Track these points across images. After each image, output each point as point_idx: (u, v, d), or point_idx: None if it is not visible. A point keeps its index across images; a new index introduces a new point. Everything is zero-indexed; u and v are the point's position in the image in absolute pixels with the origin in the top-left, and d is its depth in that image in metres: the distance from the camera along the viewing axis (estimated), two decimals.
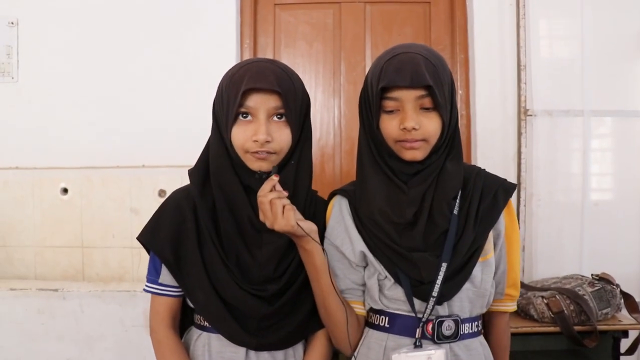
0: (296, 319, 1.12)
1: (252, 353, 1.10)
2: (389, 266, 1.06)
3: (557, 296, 1.75)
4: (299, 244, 1.05)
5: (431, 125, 1.02)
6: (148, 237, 1.11)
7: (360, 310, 1.13)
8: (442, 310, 1.05)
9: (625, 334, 1.78)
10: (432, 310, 1.04)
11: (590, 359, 1.78)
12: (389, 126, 1.04)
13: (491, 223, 1.09)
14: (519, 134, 2.16)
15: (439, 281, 1.02)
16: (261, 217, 1.01)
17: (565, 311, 1.71)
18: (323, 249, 1.07)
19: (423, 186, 1.05)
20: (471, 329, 1.09)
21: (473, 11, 2.24)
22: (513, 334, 1.69)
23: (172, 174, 2.19)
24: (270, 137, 1.02)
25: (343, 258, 1.12)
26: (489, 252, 1.09)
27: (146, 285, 1.14)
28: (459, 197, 1.08)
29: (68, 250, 2.25)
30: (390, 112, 1.04)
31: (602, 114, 2.19)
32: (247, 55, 2.31)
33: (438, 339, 1.05)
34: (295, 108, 1.05)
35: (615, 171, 2.25)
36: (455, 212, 1.06)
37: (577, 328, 1.71)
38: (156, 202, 1.25)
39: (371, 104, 1.06)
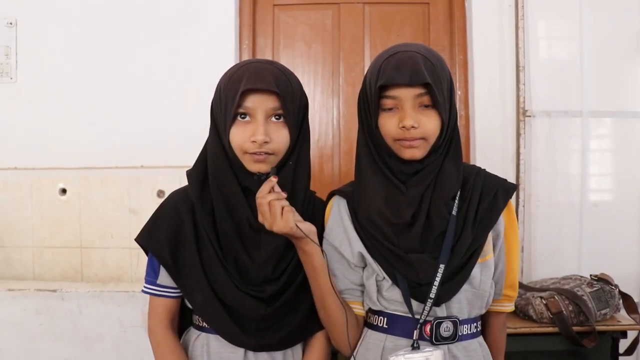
0: (295, 320, 1.12)
1: (250, 354, 1.10)
2: (387, 267, 1.06)
3: (555, 297, 1.75)
4: (298, 245, 1.05)
5: (430, 124, 1.02)
6: (146, 239, 1.11)
7: (359, 310, 1.13)
8: (440, 311, 1.05)
9: (623, 334, 1.78)
10: (429, 312, 1.04)
11: (589, 359, 1.78)
12: (388, 125, 1.04)
13: (490, 224, 1.08)
14: (518, 134, 2.16)
15: (436, 283, 1.02)
16: (260, 219, 1.01)
17: (564, 312, 1.71)
18: (322, 250, 1.07)
19: (422, 186, 1.05)
20: (470, 330, 1.09)
21: (472, 12, 2.25)
22: (512, 335, 1.71)
23: (171, 175, 2.19)
24: (269, 137, 1.02)
25: (342, 259, 1.12)
26: (488, 253, 1.09)
27: (144, 286, 1.14)
28: (457, 197, 1.07)
29: (67, 251, 2.25)
30: (389, 110, 1.03)
31: (601, 114, 2.19)
32: (246, 56, 2.31)
33: (436, 340, 1.05)
34: (294, 109, 1.05)
35: (614, 172, 2.25)
36: (454, 212, 1.06)
37: (575, 328, 1.71)
38: (155, 203, 1.25)
39: (370, 102, 1.06)
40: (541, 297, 1.76)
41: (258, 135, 1.01)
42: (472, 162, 2.21)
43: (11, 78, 2.28)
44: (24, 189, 2.26)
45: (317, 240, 1.05)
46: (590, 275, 1.87)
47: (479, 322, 1.12)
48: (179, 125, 2.20)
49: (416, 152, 1.03)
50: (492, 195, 1.09)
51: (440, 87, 1.01)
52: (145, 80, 2.24)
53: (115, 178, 2.23)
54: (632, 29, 2.20)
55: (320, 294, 1.07)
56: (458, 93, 2.29)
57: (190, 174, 1.12)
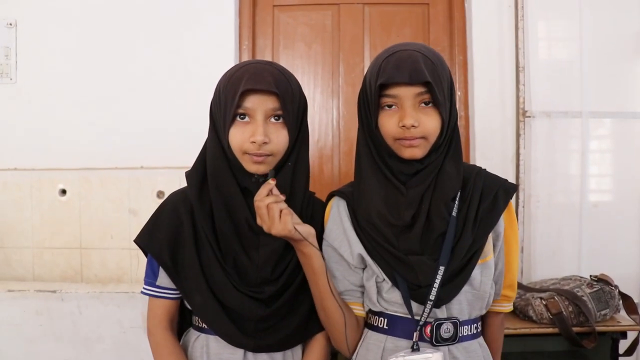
0: (294, 321, 1.12)
1: (250, 355, 1.10)
2: (387, 269, 1.06)
3: (555, 297, 1.75)
4: (297, 247, 1.05)
5: (430, 123, 1.02)
6: (145, 240, 1.11)
7: (359, 311, 1.13)
8: (441, 313, 1.05)
9: (623, 335, 1.78)
10: (429, 314, 1.03)
11: None
12: (388, 124, 1.03)
13: (491, 225, 1.08)
14: (518, 135, 2.16)
15: (436, 285, 1.02)
16: (258, 222, 1.01)
17: (564, 312, 1.71)
18: (321, 252, 1.07)
19: (422, 187, 1.04)
20: (470, 331, 1.08)
21: (472, 13, 2.25)
22: (512, 335, 1.71)
23: (170, 175, 2.19)
24: (268, 138, 1.02)
25: (341, 260, 1.12)
26: (488, 253, 1.08)
27: (144, 288, 1.14)
28: (458, 198, 1.07)
29: (66, 252, 2.25)
30: (389, 109, 1.03)
31: (601, 115, 2.19)
32: (246, 57, 2.31)
33: (437, 341, 1.04)
34: (293, 109, 1.05)
35: (614, 172, 2.25)
36: (454, 213, 1.05)
37: (575, 329, 1.71)
38: (155, 203, 1.25)
39: (370, 102, 1.05)
40: (541, 298, 1.76)
41: (257, 135, 1.01)
42: (471, 163, 2.21)
43: (11, 79, 2.28)
44: (23, 190, 2.26)
45: (315, 243, 1.04)
46: (590, 275, 1.87)
47: (479, 323, 1.12)
48: (179, 125, 2.20)
49: (416, 151, 1.02)
50: (493, 196, 1.09)
51: (440, 86, 1.01)
52: (145, 80, 2.24)
53: (115, 179, 2.23)
54: (632, 30, 2.20)
55: (320, 296, 1.07)
56: (458, 94, 2.29)
57: (189, 175, 1.12)
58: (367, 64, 2.32)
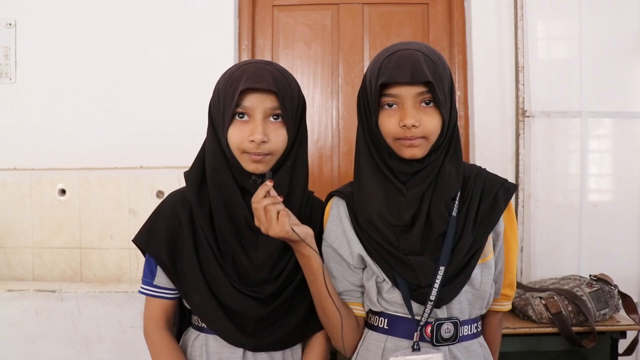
0: (293, 320, 1.12)
1: (249, 354, 1.10)
2: (387, 269, 1.06)
3: (555, 297, 1.75)
4: (295, 248, 1.05)
5: (431, 123, 1.01)
6: (144, 240, 1.11)
7: (359, 311, 1.13)
8: (441, 313, 1.05)
9: (623, 334, 1.78)
10: (430, 314, 1.03)
11: (589, 359, 1.78)
12: (388, 124, 1.03)
13: (491, 225, 1.08)
14: (517, 135, 2.16)
15: (436, 285, 1.01)
16: (256, 223, 1.01)
17: (564, 312, 1.71)
18: (320, 253, 1.07)
19: (422, 187, 1.04)
20: (470, 331, 1.08)
21: (471, 12, 2.25)
22: (511, 335, 1.71)
23: (170, 175, 2.19)
24: (267, 137, 1.02)
25: (341, 260, 1.11)
26: (488, 253, 1.08)
27: (141, 287, 1.14)
28: (458, 198, 1.07)
29: (66, 252, 2.25)
30: (390, 108, 1.03)
31: (600, 115, 2.19)
32: (245, 57, 2.31)
33: (437, 341, 1.04)
34: (292, 109, 1.06)
35: (614, 172, 2.25)
36: (454, 213, 1.05)
37: (575, 329, 1.70)
38: (154, 203, 1.25)
39: (370, 101, 1.05)
40: (540, 298, 1.76)
41: (256, 134, 1.01)
42: (471, 163, 2.21)
43: (10, 79, 2.28)
44: (23, 190, 2.26)
45: (313, 244, 1.04)
46: (590, 275, 1.87)
47: (479, 323, 1.12)
48: (178, 125, 2.20)
49: (416, 151, 1.02)
50: (493, 196, 1.08)
51: (441, 85, 1.01)
52: (145, 80, 2.24)
53: (114, 179, 2.23)
54: (631, 29, 2.20)
55: (319, 296, 1.07)
56: (457, 93, 2.29)
57: (187, 174, 1.12)
58: (366, 64, 2.32)
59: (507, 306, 1.17)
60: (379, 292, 1.09)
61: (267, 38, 2.36)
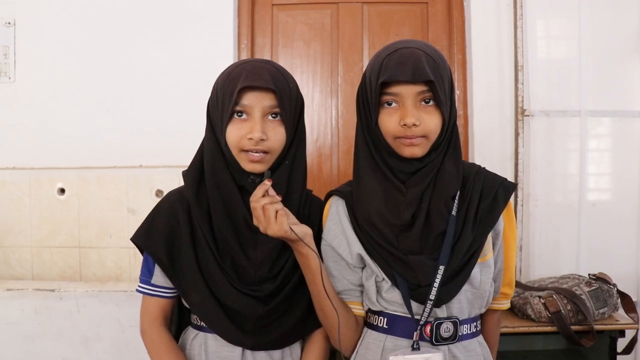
0: (292, 319, 1.12)
1: (248, 353, 1.10)
2: (386, 269, 1.05)
3: (554, 296, 1.75)
4: (294, 247, 1.05)
5: (431, 122, 1.01)
6: (142, 238, 1.11)
7: (358, 310, 1.13)
8: (441, 312, 1.05)
9: (622, 333, 1.78)
10: (429, 313, 1.03)
11: (588, 358, 1.78)
12: (388, 122, 1.02)
13: (491, 224, 1.07)
14: (516, 134, 2.16)
15: (436, 284, 1.01)
16: (255, 222, 1.01)
17: (563, 311, 1.71)
18: (320, 252, 1.06)
19: (421, 186, 1.04)
20: (470, 330, 1.08)
21: (470, 12, 2.25)
22: (510, 334, 1.71)
23: (169, 174, 2.19)
24: (265, 135, 1.02)
25: (340, 259, 1.11)
26: (487, 252, 1.08)
27: (139, 286, 1.14)
28: (457, 197, 1.06)
29: (65, 251, 2.25)
30: (390, 107, 1.02)
31: (599, 114, 2.19)
32: (245, 56, 2.31)
33: (436, 340, 1.04)
34: (290, 107, 1.05)
35: (613, 171, 2.25)
36: (453, 212, 1.05)
37: (574, 328, 1.71)
38: (153, 202, 1.25)
39: (370, 99, 1.04)
40: (539, 297, 1.76)
41: (255, 132, 1.01)
42: (470, 162, 2.21)
43: (9, 78, 2.28)
44: (22, 189, 2.26)
45: (312, 243, 1.04)
46: (589, 274, 1.88)
47: (478, 322, 1.12)
48: (177, 125, 2.20)
49: (416, 150, 1.02)
50: (493, 195, 1.08)
51: (442, 84, 1.00)
52: (144, 79, 2.24)
53: (113, 178, 2.23)
54: (631, 29, 2.20)
55: (318, 295, 1.07)
56: (457, 93, 2.29)
57: (186, 173, 1.12)
58: (366, 63, 2.31)
59: (505, 305, 1.17)
60: (378, 291, 1.09)
61: (267, 37, 2.36)
